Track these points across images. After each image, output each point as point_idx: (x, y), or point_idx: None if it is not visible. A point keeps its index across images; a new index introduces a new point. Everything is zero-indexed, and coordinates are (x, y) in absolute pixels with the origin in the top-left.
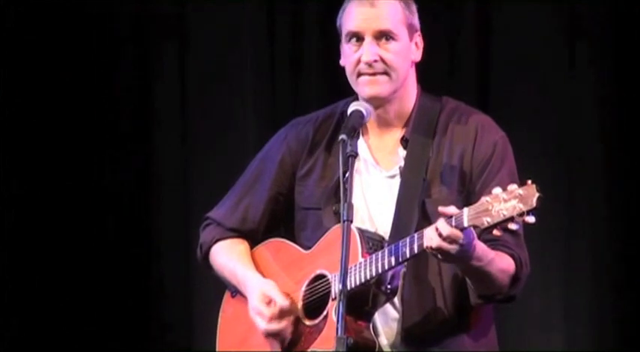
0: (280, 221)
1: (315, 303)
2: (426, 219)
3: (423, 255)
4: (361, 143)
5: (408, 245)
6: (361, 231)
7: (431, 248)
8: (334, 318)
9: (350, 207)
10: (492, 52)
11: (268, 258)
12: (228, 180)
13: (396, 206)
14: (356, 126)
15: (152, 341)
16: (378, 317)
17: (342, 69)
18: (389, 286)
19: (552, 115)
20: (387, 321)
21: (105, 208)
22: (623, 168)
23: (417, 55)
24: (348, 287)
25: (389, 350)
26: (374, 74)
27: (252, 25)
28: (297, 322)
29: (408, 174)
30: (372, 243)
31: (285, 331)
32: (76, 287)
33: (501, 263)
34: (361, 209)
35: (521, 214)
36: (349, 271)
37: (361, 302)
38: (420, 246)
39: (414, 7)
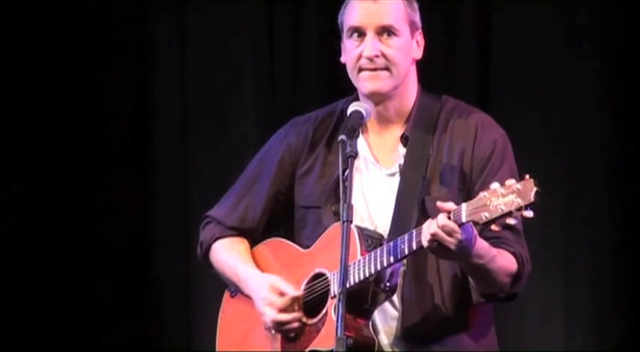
0: (280, 220)
1: (314, 302)
2: (426, 217)
3: (422, 254)
4: (361, 141)
5: (406, 242)
6: (360, 229)
7: (429, 240)
8: (333, 317)
9: (349, 207)
10: (492, 51)
11: (268, 257)
12: (227, 179)
13: (396, 204)
14: (355, 127)
15: (151, 341)
16: (377, 315)
17: (342, 67)
18: (388, 284)
19: (552, 114)
20: (386, 320)
21: (104, 208)
22: (623, 167)
23: (417, 52)
24: (347, 286)
25: (389, 349)
26: (375, 69)
27: (252, 25)
28: (299, 321)
29: (407, 172)
30: (371, 240)
31: (292, 323)
32: (75, 287)
33: (503, 261)
34: (361, 207)
35: (520, 209)
36: (348, 269)
37: (360, 300)
38: (419, 242)
39: (415, 5)
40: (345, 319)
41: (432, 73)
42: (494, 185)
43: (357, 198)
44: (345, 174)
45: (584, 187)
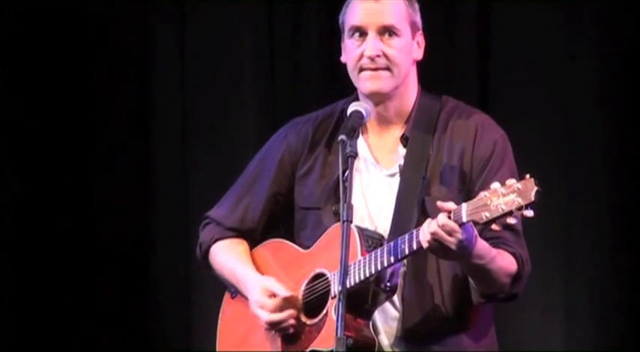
0: (279, 221)
1: (315, 302)
2: (426, 217)
3: (422, 254)
4: (361, 142)
5: (406, 242)
6: (360, 230)
7: (429, 240)
8: (334, 317)
9: (350, 207)
10: (492, 51)
11: (268, 258)
12: (227, 179)
13: (396, 204)
14: (355, 127)
15: (151, 341)
16: (377, 316)
17: (343, 67)
18: (388, 284)
19: (553, 114)
20: (386, 320)
21: (104, 209)
22: (624, 167)
23: (418, 53)
24: (347, 286)
25: (389, 349)
26: (376, 69)
27: (252, 25)
28: (297, 320)
29: (407, 173)
30: (371, 241)
31: (286, 322)
32: (75, 288)
33: (503, 261)
34: (361, 208)
35: (520, 208)
36: (348, 269)
37: (361, 300)
38: (419, 242)
39: (416, 6)
40: (345, 319)
41: (432, 73)
42: (495, 185)
43: (357, 199)
44: (345, 174)
45: (584, 187)
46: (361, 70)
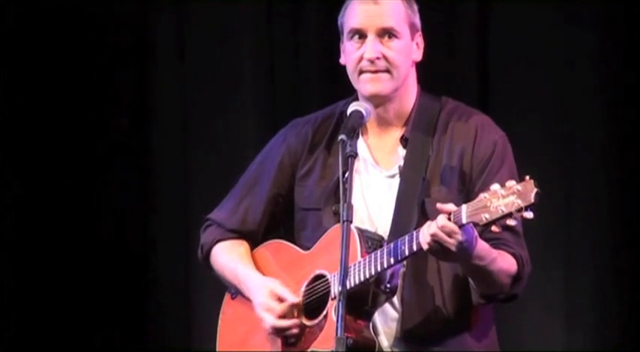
0: (280, 222)
1: (315, 303)
2: (426, 219)
3: (422, 255)
4: (360, 143)
5: (406, 243)
6: (360, 231)
7: (428, 241)
8: (334, 318)
9: (350, 207)
10: (492, 51)
11: (268, 259)
12: (228, 181)
13: (396, 205)
14: (355, 127)
15: (151, 341)
16: (377, 317)
17: (342, 69)
18: (388, 285)
19: (553, 114)
20: (386, 321)
21: (104, 208)
22: (624, 167)
23: (417, 54)
24: (348, 287)
25: (389, 350)
26: (376, 72)
27: (252, 25)
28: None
29: (407, 174)
30: (371, 242)
31: (291, 329)
32: (75, 288)
33: (503, 262)
34: (361, 209)
35: (520, 210)
36: (348, 270)
37: (361, 302)
38: (419, 244)
39: (415, 7)
40: (345, 320)
41: (432, 73)
42: (495, 186)
43: (356, 200)
44: (345, 174)
45: (584, 187)
46: (361, 72)
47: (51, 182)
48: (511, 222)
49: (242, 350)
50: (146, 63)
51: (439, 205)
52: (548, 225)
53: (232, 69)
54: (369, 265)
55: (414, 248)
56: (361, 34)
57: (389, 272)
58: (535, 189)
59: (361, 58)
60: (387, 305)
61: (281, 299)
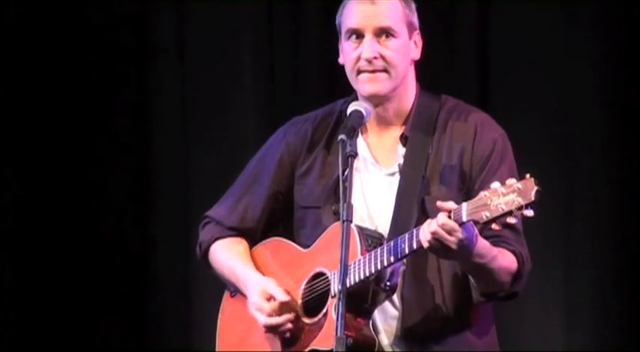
0: (279, 220)
1: (315, 301)
2: (426, 217)
3: (422, 254)
4: (360, 141)
5: (406, 241)
6: (360, 229)
7: (429, 239)
8: (334, 316)
9: (350, 206)
10: (492, 51)
11: (267, 257)
12: (227, 179)
13: (396, 204)
14: (355, 126)
15: (151, 341)
16: (377, 315)
17: (341, 68)
18: (388, 283)
19: (552, 114)
20: (386, 319)
21: (104, 208)
22: (624, 167)
23: (416, 53)
24: (347, 285)
25: (389, 348)
26: (374, 71)
27: (252, 25)
28: (296, 320)
29: (407, 172)
30: (371, 240)
31: (284, 325)
32: (75, 288)
33: (503, 260)
34: (360, 207)
35: (520, 208)
36: (348, 268)
37: (360, 300)
38: (419, 242)
39: (413, 6)
40: (345, 318)
41: (432, 73)
42: (495, 184)
43: (356, 199)
44: (345, 173)
45: (584, 187)
46: (359, 72)
47: (51, 182)
48: (511, 220)
49: (242, 348)
50: (146, 63)
51: (439, 203)
52: (549, 225)
53: (232, 69)
54: (369, 263)
55: (414, 246)
56: (358, 34)
57: (389, 270)
58: (535, 187)
59: (359, 58)
60: (387, 304)
61: (271, 298)
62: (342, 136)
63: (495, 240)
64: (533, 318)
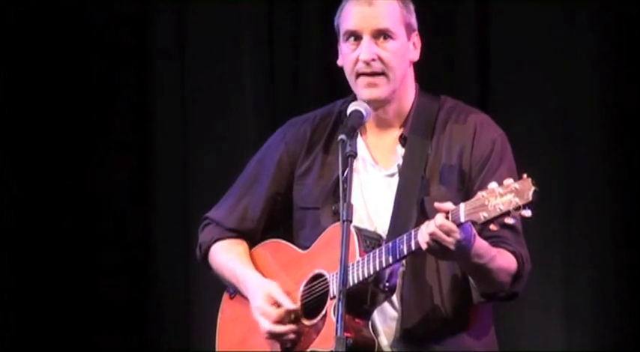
0: (279, 221)
1: (314, 303)
2: (425, 218)
3: (421, 254)
4: (359, 142)
5: (405, 242)
6: (359, 230)
7: (427, 241)
8: (333, 317)
9: (350, 206)
10: (492, 51)
11: (267, 258)
12: (227, 180)
13: (395, 204)
14: (355, 126)
15: (151, 341)
16: (377, 316)
17: (340, 69)
18: (387, 284)
19: (552, 114)
20: (385, 320)
21: (104, 208)
22: (623, 167)
23: (414, 54)
24: (346, 286)
25: (389, 349)
26: (372, 74)
27: (252, 25)
28: (296, 322)
29: (406, 173)
30: (370, 241)
31: (288, 334)
32: (75, 288)
33: (503, 260)
34: (360, 208)
35: (518, 208)
36: (347, 269)
37: (359, 301)
38: (417, 242)
39: (411, 7)
40: (344, 319)
41: (431, 73)
42: (493, 185)
43: (355, 199)
44: (345, 174)
45: (584, 187)
46: (357, 75)
47: (51, 182)
48: (509, 221)
49: (241, 349)
50: (146, 63)
51: (437, 204)
52: (548, 225)
53: (232, 69)
54: (368, 264)
55: (413, 247)
56: (356, 36)
57: (388, 271)
58: (533, 188)
59: (357, 60)
60: (386, 305)
61: (278, 305)
62: (342, 136)
63: (495, 240)
64: (533, 318)
